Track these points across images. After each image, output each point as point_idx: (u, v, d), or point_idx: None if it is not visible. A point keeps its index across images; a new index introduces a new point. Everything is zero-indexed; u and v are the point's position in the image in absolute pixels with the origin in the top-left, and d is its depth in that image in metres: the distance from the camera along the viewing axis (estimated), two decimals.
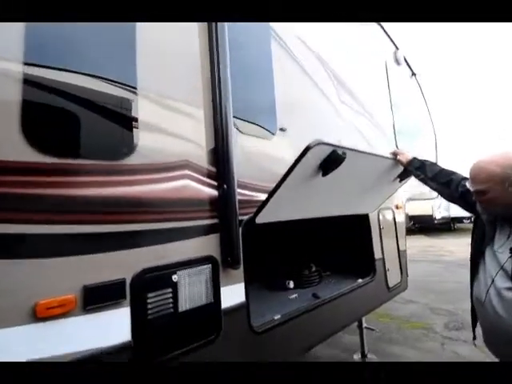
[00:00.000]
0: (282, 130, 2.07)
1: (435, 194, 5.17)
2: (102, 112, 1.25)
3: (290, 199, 1.72)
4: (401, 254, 3.34)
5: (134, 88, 1.35)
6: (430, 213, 14.43)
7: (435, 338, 4.06)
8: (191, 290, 1.45)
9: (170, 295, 1.37)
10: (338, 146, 1.51)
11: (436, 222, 15.01)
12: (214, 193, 1.61)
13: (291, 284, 2.73)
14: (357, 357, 3.53)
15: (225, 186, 1.59)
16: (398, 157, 2.06)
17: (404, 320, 4.66)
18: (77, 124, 1.19)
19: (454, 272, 7.44)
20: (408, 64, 4.32)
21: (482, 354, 3.42)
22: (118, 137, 1.29)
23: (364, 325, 3.46)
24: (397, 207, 3.40)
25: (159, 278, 1.35)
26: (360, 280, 2.75)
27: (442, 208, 14.94)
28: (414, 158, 2.04)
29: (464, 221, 17.49)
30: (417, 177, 2.01)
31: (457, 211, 15.75)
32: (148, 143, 1.38)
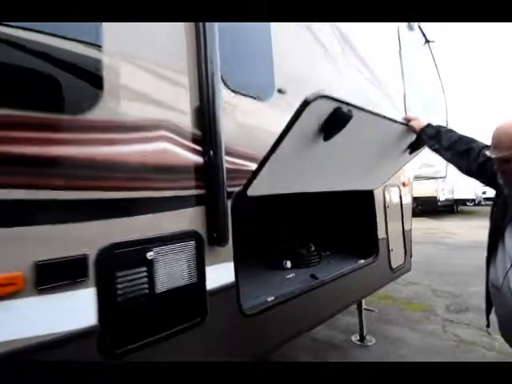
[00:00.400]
0: (280, 91, 1.82)
1: (443, 173, 4.93)
2: (54, 62, 1.02)
3: (286, 169, 1.51)
4: (406, 235, 3.16)
5: (97, 37, 1.11)
6: (434, 195, 14.24)
7: (436, 320, 3.96)
8: (171, 268, 1.28)
9: (145, 274, 1.20)
10: (343, 102, 1.28)
11: (440, 204, 14.85)
12: (199, 159, 1.40)
13: (288, 264, 2.57)
14: (355, 338, 3.45)
15: (211, 152, 1.37)
16: (411, 123, 1.82)
17: (405, 302, 4.56)
18: (19, 72, 0.97)
19: (458, 254, 7.32)
20: (421, 30, 3.96)
21: (485, 338, 3.33)
22: (75, 87, 1.06)
23: (363, 306, 3.34)
24: (403, 184, 3.18)
25: (131, 254, 1.17)
26: (362, 261, 2.58)
27: (446, 190, 14.76)
28: (429, 125, 1.80)
29: (467, 203, 17.34)
30: (431, 146, 1.78)
31: (461, 193, 15.59)
32: (116, 97, 1.16)
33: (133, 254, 1.17)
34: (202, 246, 1.38)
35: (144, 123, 1.24)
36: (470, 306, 4.33)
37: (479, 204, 17.73)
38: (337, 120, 1.30)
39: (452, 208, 16.29)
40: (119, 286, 1.13)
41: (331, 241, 2.99)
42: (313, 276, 2.21)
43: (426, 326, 3.77)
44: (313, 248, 2.69)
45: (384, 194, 2.81)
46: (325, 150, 1.51)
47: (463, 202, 16.97)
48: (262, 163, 1.36)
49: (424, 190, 12.97)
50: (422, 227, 11.06)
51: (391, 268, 2.86)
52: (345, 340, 3.49)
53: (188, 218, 1.36)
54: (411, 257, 3.30)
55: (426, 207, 14.86)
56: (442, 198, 14.72)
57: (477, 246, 7.93)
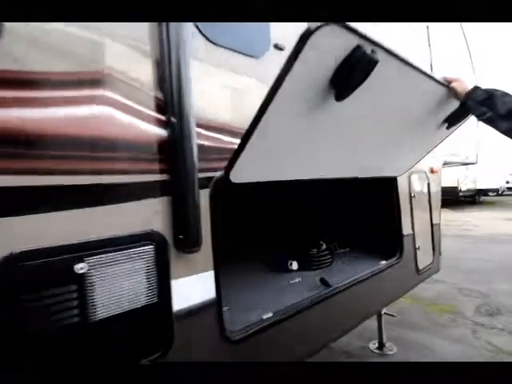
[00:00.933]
0: (277, 47, 1.40)
1: (474, 158, 4.42)
2: None
3: (281, 145, 1.09)
4: (434, 229, 2.70)
5: None
6: (455, 184, 13.52)
7: (465, 324, 3.51)
8: (115, 286, 0.90)
9: (73, 296, 0.82)
10: (366, 38, 0.84)
11: (461, 194, 14.14)
12: (159, 132, 1.00)
13: (294, 265, 2.17)
14: (373, 346, 3.06)
15: (176, 123, 0.98)
16: (452, 84, 1.37)
17: (429, 302, 4.11)
18: None
19: (483, 248, 6.79)
20: None
21: None
22: None
23: (383, 310, 2.92)
24: (432, 171, 2.71)
25: (49, 268, 0.79)
26: (383, 262, 2.15)
27: (467, 180, 14.04)
28: (477, 87, 1.35)
29: (489, 194, 16.48)
30: (481, 115, 1.34)
31: (483, 183, 14.75)
32: (20, 38, 0.77)
33: (51, 268, 0.80)
34: (166, 252, 1.00)
35: (70, 78, 0.85)
36: (501, 306, 3.87)
37: (502, 194, 16.89)
38: (355, 66, 0.86)
39: (473, 199, 15.48)
40: (29, 316, 0.76)
41: (346, 237, 2.57)
42: (323, 281, 1.80)
43: (453, 331, 3.33)
44: (324, 246, 2.28)
45: (410, 182, 2.35)
46: (334, 117, 1.08)
47: (485, 192, 16.16)
48: (246, 137, 0.95)
49: (444, 179, 12.25)
50: (442, 219, 10.43)
51: (418, 269, 2.42)
52: (361, 347, 3.10)
53: (144, 214, 0.97)
54: (440, 255, 2.85)
55: (446, 198, 14.09)
56: (463, 188, 13.99)
57: (501, 240, 7.39)
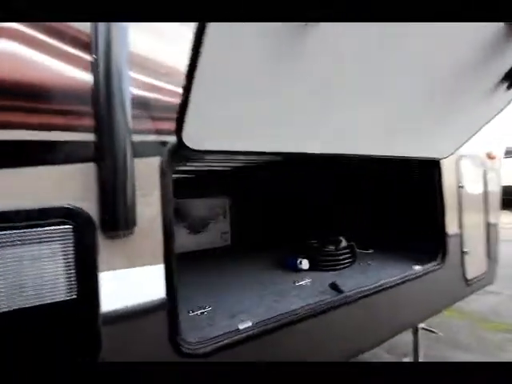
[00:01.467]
0: None
1: None
2: None
3: (247, 98, 0.77)
4: (490, 231, 2.17)
5: None
6: None
7: None
8: (12, 274, 0.67)
9: None
10: None
11: None
12: (79, 76, 0.75)
13: (304, 264, 1.83)
14: None
15: (94, 57, 0.72)
16: None
17: (480, 317, 3.52)
18: None
19: None
20: None
21: None
22: None
23: (421, 325, 2.46)
24: (489, 157, 2.17)
25: None
26: (418, 267, 1.73)
27: None
28: None
29: None
30: None
31: None
32: None
33: None
34: (91, 235, 0.75)
35: None
36: None
37: None
38: None
39: None
40: None
41: (371, 234, 2.17)
42: (334, 287, 1.45)
43: (510, 355, 2.75)
44: (343, 243, 1.91)
45: (458, 168, 1.88)
46: (333, 51, 0.73)
47: None
48: (188, 84, 0.66)
49: (505, 176, 10.72)
50: (502, 221, 9.16)
51: (465, 279, 1.95)
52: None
53: (59, 184, 0.73)
54: (497, 263, 2.30)
55: (508, 197, 12.37)
56: None
57: None
